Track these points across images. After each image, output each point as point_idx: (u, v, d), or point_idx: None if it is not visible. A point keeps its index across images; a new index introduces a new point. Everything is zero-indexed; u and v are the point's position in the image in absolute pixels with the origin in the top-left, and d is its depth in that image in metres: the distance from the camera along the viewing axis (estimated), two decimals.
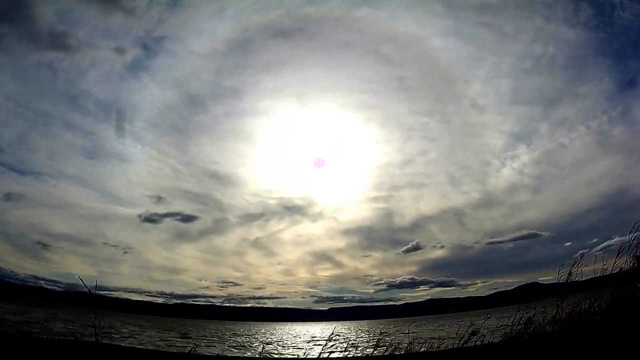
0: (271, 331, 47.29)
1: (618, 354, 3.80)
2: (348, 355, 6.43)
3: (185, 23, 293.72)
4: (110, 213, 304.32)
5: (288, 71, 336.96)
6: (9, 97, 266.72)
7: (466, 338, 5.50)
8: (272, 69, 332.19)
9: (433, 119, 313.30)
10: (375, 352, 6.10)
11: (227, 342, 21.28)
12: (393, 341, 6.28)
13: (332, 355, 6.49)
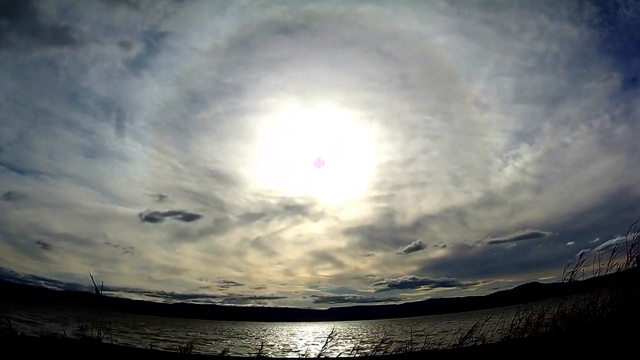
0: (270, 332, 47.25)
1: (618, 354, 3.80)
2: (348, 356, 6.44)
3: (188, 19, 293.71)
4: (111, 213, 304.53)
5: (290, 68, 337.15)
6: (9, 95, 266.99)
7: (466, 338, 5.49)
8: (275, 66, 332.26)
9: (435, 117, 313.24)
10: (375, 352, 6.10)
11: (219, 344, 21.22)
12: (393, 341, 6.27)
13: (332, 355, 6.49)
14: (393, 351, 5.88)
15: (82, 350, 5.20)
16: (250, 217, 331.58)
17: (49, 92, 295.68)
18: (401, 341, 6.14)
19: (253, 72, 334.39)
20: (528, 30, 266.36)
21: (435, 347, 5.63)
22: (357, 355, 6.49)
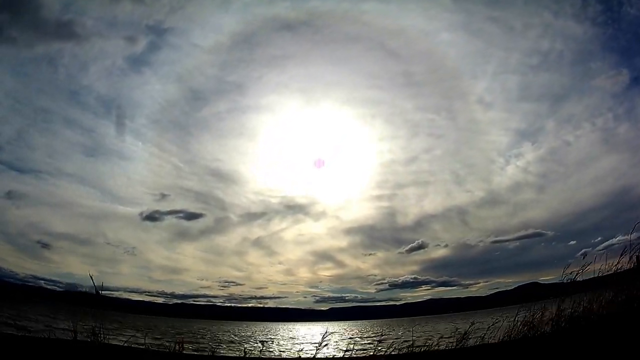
0: (268, 332, 47.25)
1: (618, 354, 3.79)
2: (348, 356, 6.43)
3: (190, 15, 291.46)
4: (111, 212, 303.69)
5: (293, 66, 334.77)
6: (9, 93, 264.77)
7: (467, 338, 5.49)
8: (277, 63, 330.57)
9: (439, 115, 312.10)
10: (375, 352, 6.10)
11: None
12: (393, 341, 6.27)
13: (332, 355, 6.49)
14: (393, 351, 5.88)
15: (82, 351, 5.19)
16: (251, 217, 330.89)
17: (49, 90, 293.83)
18: (401, 341, 6.14)
19: (255, 69, 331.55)
20: (532, 28, 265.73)
21: (435, 347, 5.63)
22: (357, 355, 6.48)
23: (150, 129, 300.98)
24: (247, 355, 6.83)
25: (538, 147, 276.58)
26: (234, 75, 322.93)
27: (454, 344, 5.48)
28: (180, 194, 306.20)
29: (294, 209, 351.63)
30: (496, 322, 5.41)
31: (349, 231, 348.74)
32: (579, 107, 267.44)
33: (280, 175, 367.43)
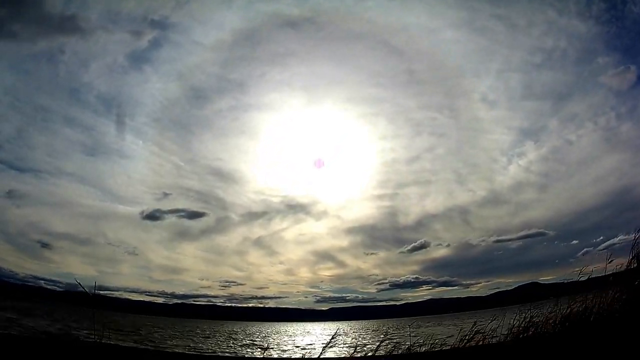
0: (267, 333, 47.25)
1: (618, 354, 3.79)
2: (349, 356, 6.43)
3: (192, 12, 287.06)
4: (111, 211, 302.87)
5: (295, 63, 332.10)
6: (8, 90, 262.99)
7: (467, 338, 5.49)
8: (279, 61, 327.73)
9: (442, 114, 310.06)
10: (376, 352, 6.09)
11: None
12: (393, 341, 6.27)
13: (333, 355, 6.49)
14: (393, 351, 5.88)
15: (82, 351, 5.19)
16: (252, 216, 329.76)
17: (49, 87, 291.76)
18: (401, 342, 6.13)
19: (257, 67, 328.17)
20: (536, 26, 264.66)
21: (435, 347, 5.63)
22: (357, 355, 6.48)
23: (150, 128, 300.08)
24: (249, 356, 6.84)
25: (540, 146, 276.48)
26: (235, 73, 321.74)
27: (455, 343, 5.48)
28: (181, 193, 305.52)
29: (295, 209, 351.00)
30: (497, 323, 5.41)
31: (350, 231, 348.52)
32: (582, 106, 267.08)
33: (281, 174, 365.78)
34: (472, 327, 5.51)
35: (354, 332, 32.21)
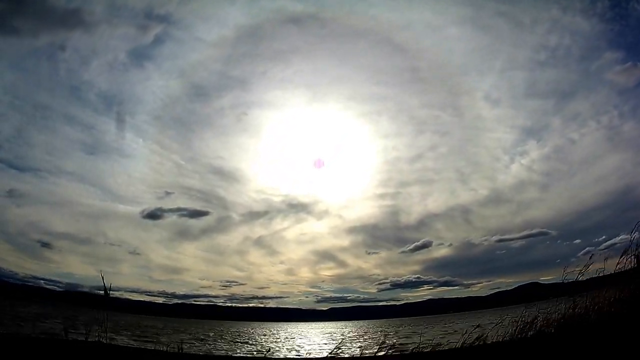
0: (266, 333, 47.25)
1: (618, 354, 3.79)
2: (349, 356, 6.43)
3: (195, 8, 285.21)
4: (111, 211, 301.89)
5: (298, 60, 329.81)
6: (8, 88, 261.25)
7: (467, 338, 5.49)
8: (282, 58, 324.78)
9: (445, 112, 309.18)
10: (376, 352, 6.10)
11: None
12: (393, 341, 6.27)
13: (334, 356, 6.48)
14: (393, 351, 5.88)
15: (82, 351, 5.19)
16: (253, 216, 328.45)
17: (49, 85, 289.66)
18: (401, 342, 6.14)
19: (260, 64, 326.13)
20: (540, 23, 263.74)
21: (435, 347, 5.63)
22: (357, 355, 6.48)
23: (151, 126, 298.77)
24: (249, 356, 6.84)
25: (543, 145, 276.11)
26: (237, 70, 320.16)
27: (455, 343, 5.48)
28: (182, 192, 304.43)
29: (296, 208, 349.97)
30: (496, 323, 5.41)
31: (352, 230, 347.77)
32: (585, 105, 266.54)
33: (283, 173, 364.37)
34: (472, 328, 5.52)
35: (354, 334, 32.20)
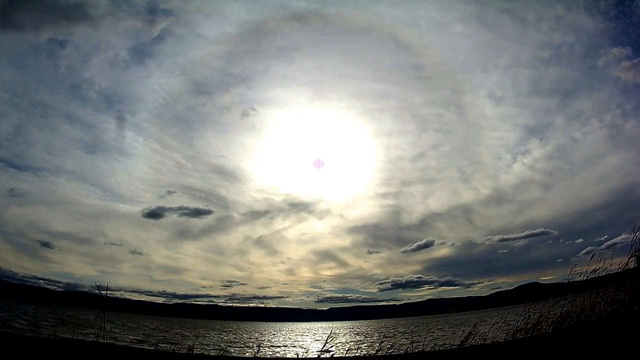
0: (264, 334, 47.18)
1: (618, 354, 3.78)
2: (348, 355, 6.42)
3: (197, 4, 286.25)
4: (111, 210, 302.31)
5: (301, 57, 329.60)
6: (7, 86, 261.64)
7: (467, 338, 5.48)
8: (285, 55, 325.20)
9: (448, 110, 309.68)
10: (376, 352, 6.10)
11: None
12: (393, 341, 6.27)
13: (333, 355, 6.47)
14: (393, 351, 5.87)
15: (82, 350, 5.19)
16: (254, 215, 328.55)
17: (49, 83, 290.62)
18: (401, 342, 6.13)
19: (262, 61, 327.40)
20: (545, 21, 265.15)
21: (435, 347, 5.62)
22: (357, 355, 6.48)
23: (152, 124, 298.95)
24: (248, 356, 6.83)
25: (545, 144, 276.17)
26: (240, 68, 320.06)
27: (456, 343, 5.47)
28: (183, 191, 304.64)
29: (297, 207, 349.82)
30: (496, 323, 5.41)
31: (353, 230, 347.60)
32: (588, 103, 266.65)
33: (284, 172, 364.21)
34: (472, 328, 5.51)
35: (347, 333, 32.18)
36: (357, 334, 28.57)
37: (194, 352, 6.91)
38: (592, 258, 5.08)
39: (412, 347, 5.78)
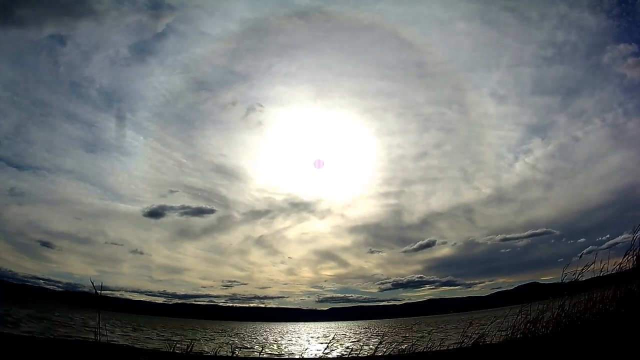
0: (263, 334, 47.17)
1: (618, 354, 3.78)
2: (348, 355, 6.42)
3: (199, 2, 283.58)
4: (111, 210, 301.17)
5: (303, 55, 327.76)
6: (7, 85, 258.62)
7: (467, 338, 5.48)
8: (287, 52, 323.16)
9: (451, 108, 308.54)
10: (375, 352, 6.09)
11: None
12: (393, 341, 6.26)
13: (332, 355, 6.48)
14: (393, 351, 5.87)
15: (81, 350, 5.19)
16: (254, 215, 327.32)
17: (49, 81, 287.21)
18: (400, 342, 6.13)
19: (264, 59, 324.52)
20: (548, 19, 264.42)
21: (435, 347, 5.62)
22: (356, 355, 6.47)
23: (152, 123, 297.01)
24: (250, 356, 6.83)
25: (547, 143, 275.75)
26: (241, 66, 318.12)
27: (456, 343, 5.47)
28: (184, 190, 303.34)
29: (298, 207, 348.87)
30: (496, 323, 5.41)
31: (354, 229, 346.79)
32: (591, 102, 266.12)
33: (285, 171, 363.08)
34: (472, 328, 5.51)
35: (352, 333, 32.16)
36: (357, 334, 28.57)
37: (193, 350, 6.91)
38: (594, 258, 5.08)
39: (412, 347, 5.78)
